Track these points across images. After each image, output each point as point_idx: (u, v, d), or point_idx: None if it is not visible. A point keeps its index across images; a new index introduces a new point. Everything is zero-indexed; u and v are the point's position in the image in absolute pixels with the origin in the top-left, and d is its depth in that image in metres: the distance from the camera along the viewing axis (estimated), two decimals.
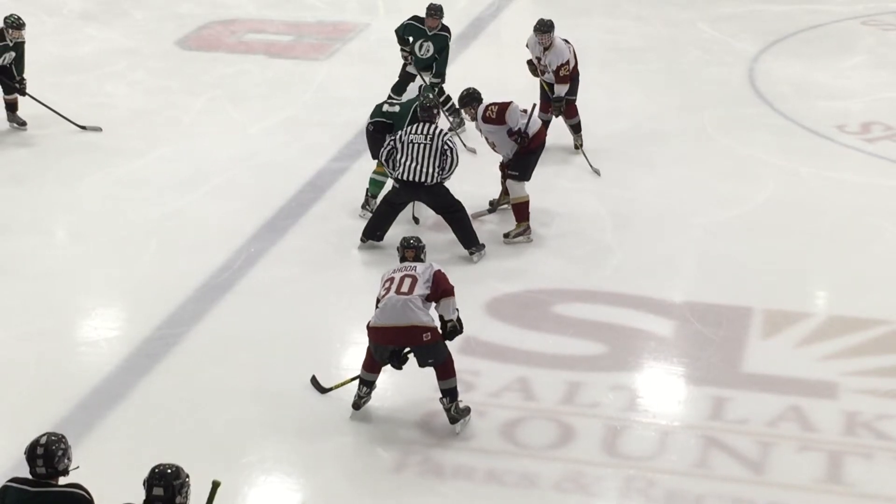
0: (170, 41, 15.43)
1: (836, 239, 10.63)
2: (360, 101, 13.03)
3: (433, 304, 7.91)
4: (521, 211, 10.48)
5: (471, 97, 10.51)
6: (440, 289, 7.87)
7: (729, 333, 9.13)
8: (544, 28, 11.85)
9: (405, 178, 9.87)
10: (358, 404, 8.09)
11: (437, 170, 9.87)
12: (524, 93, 13.92)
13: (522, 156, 10.43)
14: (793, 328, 9.21)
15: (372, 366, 8.03)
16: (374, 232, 10.15)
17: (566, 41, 12.10)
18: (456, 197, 10.12)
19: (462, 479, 7.56)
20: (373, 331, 7.86)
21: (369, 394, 8.12)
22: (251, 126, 12.78)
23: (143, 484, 5.66)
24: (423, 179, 9.87)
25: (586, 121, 12.42)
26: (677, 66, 14.98)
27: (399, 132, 9.98)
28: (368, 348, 7.97)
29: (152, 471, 5.68)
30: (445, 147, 9.86)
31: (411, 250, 8.30)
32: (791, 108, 13.48)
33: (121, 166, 11.89)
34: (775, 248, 10.38)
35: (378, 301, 7.88)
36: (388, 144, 9.94)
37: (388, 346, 7.86)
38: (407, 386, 8.43)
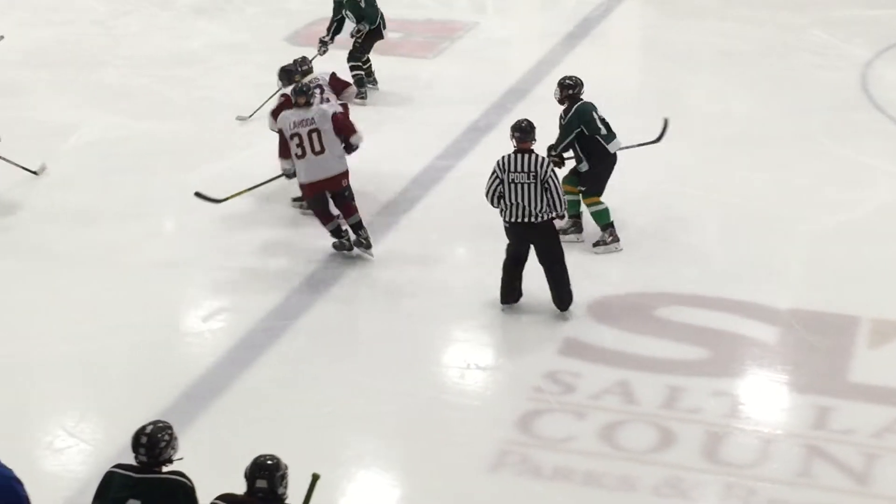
0: (279, 37, 15.56)
1: None
2: (467, 100, 13.09)
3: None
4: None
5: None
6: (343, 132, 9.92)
7: (834, 342, 8.98)
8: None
9: (513, 219, 9.04)
10: (349, 243, 9.98)
11: (545, 206, 8.96)
12: (630, 94, 13.92)
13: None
14: None
15: (325, 216, 9.99)
16: (510, 295, 9.31)
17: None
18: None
19: (560, 481, 7.53)
20: (308, 186, 9.89)
21: (347, 233, 9.96)
22: (357, 123, 12.82)
23: (245, 475, 5.71)
24: (531, 220, 8.98)
25: (693, 125, 12.31)
26: (789, 70, 14.76)
27: (503, 170, 8.96)
28: (310, 206, 10.09)
29: (255, 462, 5.72)
30: (548, 180, 8.92)
31: (302, 96, 9.88)
32: None
33: (227, 159, 12.02)
34: (884, 256, 10.19)
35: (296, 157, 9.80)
36: (494, 180, 9.00)
37: (321, 194, 9.90)
38: (505, 385, 8.43)
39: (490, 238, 9.96)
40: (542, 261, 9.14)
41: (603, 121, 10.21)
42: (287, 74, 11.10)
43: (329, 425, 7.98)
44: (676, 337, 9.01)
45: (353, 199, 10.22)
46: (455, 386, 8.48)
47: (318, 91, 10.44)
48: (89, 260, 10.20)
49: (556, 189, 8.92)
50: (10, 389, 7.99)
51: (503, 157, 8.95)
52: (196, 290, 9.98)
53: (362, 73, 13.48)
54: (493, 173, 8.97)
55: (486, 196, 9.02)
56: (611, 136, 10.21)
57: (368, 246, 10.01)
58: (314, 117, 9.83)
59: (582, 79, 10.38)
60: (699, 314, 9.32)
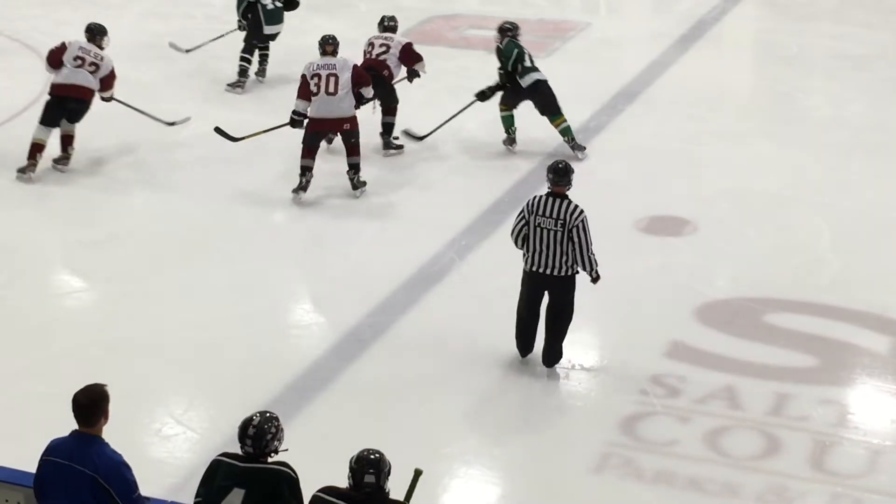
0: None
1: None
2: (578, 99, 13.02)
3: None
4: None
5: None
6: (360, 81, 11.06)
7: None
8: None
9: (533, 268, 8.39)
10: (305, 187, 10.97)
11: (569, 259, 8.27)
12: (744, 97, 13.80)
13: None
14: None
15: (308, 152, 11.00)
16: (526, 346, 8.67)
17: None
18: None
19: (663, 485, 7.47)
20: (311, 122, 10.97)
21: (310, 180, 10.97)
22: (469, 121, 12.85)
23: (351, 468, 5.71)
24: (552, 272, 8.34)
25: (807, 129, 12.15)
26: None
27: (530, 212, 8.33)
28: (304, 139, 10.95)
29: (361, 457, 5.72)
30: (576, 232, 8.21)
31: (330, 45, 11.16)
32: None
33: (343, 157, 12.10)
34: None
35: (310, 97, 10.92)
36: (520, 220, 8.38)
37: (321, 133, 11.11)
38: (610, 387, 8.39)
39: (600, 235, 9.94)
40: (549, 311, 8.52)
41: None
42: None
43: (432, 421, 8.01)
44: (785, 343, 8.90)
45: (357, 144, 11.13)
46: (559, 386, 8.45)
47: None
48: (199, 250, 10.34)
49: (584, 243, 8.21)
50: (123, 375, 8.11)
51: (533, 198, 8.33)
52: (303, 284, 10.08)
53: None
54: (520, 213, 8.37)
55: (511, 236, 8.43)
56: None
57: (358, 186, 11.17)
58: (336, 64, 11.07)
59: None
60: (809, 321, 9.20)
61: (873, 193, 11.29)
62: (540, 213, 8.22)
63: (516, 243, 8.40)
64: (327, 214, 10.94)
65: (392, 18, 12.57)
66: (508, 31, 12.06)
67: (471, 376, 8.48)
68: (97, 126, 11.83)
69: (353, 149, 11.14)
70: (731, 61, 15.45)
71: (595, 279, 8.36)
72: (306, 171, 11.04)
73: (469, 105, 12.21)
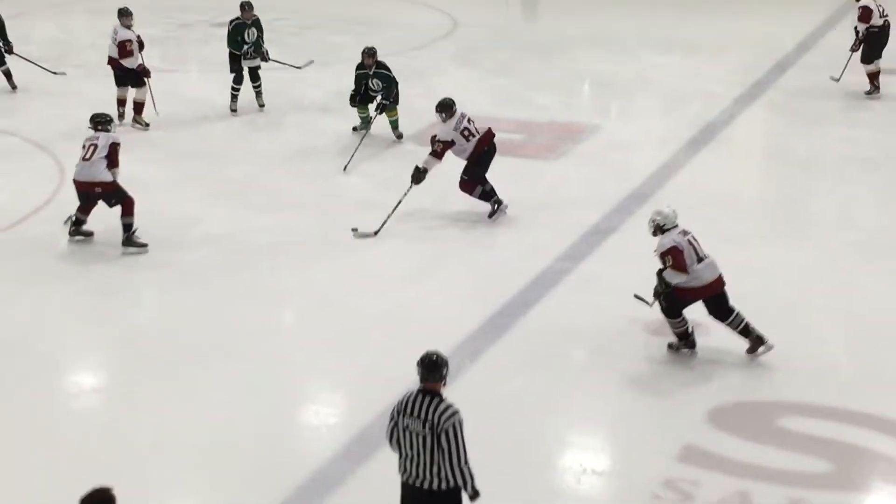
0: (404, 136, 15.73)
1: None
2: (589, 202, 13.08)
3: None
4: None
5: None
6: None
7: None
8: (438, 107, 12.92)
9: (406, 479, 7.21)
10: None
11: (441, 470, 7.08)
12: (754, 200, 13.84)
13: None
14: None
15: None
16: None
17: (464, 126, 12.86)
18: None
19: None
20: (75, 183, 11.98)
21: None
22: (479, 225, 12.90)
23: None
24: (423, 484, 7.14)
25: (818, 232, 12.15)
26: None
27: (397, 411, 7.23)
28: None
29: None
30: (446, 436, 7.03)
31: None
32: None
33: (352, 256, 12.15)
34: None
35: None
36: (389, 421, 7.27)
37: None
38: (622, 491, 8.32)
39: (609, 339, 9.93)
40: None
41: None
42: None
43: None
44: (799, 447, 8.82)
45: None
46: (571, 491, 8.38)
47: None
48: (212, 351, 10.32)
49: (456, 451, 7.00)
50: (130, 477, 8.06)
51: (405, 395, 7.21)
52: (312, 384, 10.04)
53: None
54: (391, 411, 7.26)
55: (387, 439, 7.29)
56: None
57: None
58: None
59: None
60: (822, 425, 9.13)
61: (886, 297, 11.25)
62: (407, 413, 7.09)
63: (391, 447, 7.28)
64: (335, 316, 10.93)
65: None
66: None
67: (482, 482, 8.39)
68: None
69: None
70: (741, 164, 15.49)
71: (473, 496, 7.09)
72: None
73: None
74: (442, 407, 7.04)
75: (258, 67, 16.74)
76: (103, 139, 12.25)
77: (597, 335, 10.30)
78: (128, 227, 12.21)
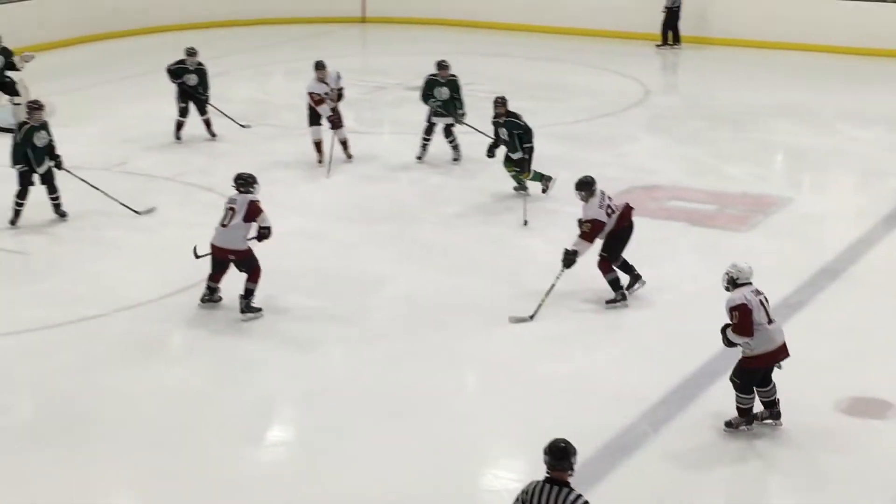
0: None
1: None
2: (779, 274, 12.84)
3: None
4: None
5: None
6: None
7: None
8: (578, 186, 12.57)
9: None
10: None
11: None
12: None
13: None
14: None
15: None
16: None
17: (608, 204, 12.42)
18: None
19: None
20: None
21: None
22: (667, 292, 12.78)
23: None
24: None
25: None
26: None
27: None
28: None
29: None
30: None
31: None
32: None
33: (535, 321, 12.17)
34: None
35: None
36: None
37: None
38: None
39: (799, 413, 9.71)
40: None
41: None
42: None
43: None
44: None
45: None
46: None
47: None
48: (393, 410, 10.42)
49: None
50: None
51: (530, 484, 7.06)
52: (493, 448, 10.04)
53: None
54: (515, 501, 7.09)
55: None
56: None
57: None
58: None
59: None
60: None
61: None
62: (534, 503, 6.95)
63: None
64: (523, 378, 10.91)
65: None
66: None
67: None
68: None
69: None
70: None
71: None
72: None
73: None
74: (571, 497, 6.88)
75: (451, 125, 17.12)
76: (240, 201, 12.09)
77: (784, 410, 10.07)
78: (249, 293, 12.13)
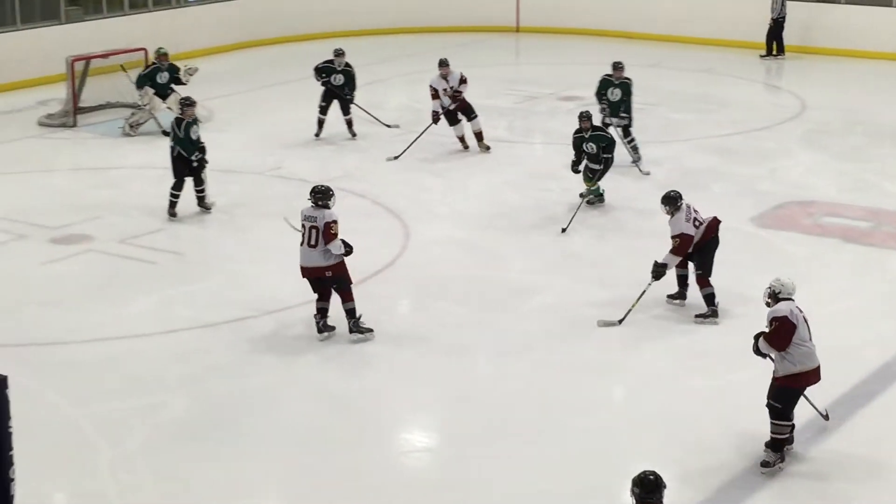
0: (745, 217, 15.49)
1: None
2: None
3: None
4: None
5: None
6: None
7: None
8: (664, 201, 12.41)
9: None
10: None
11: None
12: None
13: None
14: None
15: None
16: None
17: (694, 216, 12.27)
18: None
19: None
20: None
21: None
22: (818, 309, 12.52)
23: None
24: None
25: None
26: None
27: None
28: None
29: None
30: None
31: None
32: None
33: (686, 336, 12.06)
34: None
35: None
36: None
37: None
38: None
39: None
40: None
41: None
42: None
43: None
44: None
45: None
46: None
47: None
48: (540, 421, 10.41)
49: None
50: None
51: None
52: (636, 461, 9.93)
53: None
54: None
55: None
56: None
57: None
58: None
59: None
60: None
61: None
62: None
63: None
64: (670, 391, 10.82)
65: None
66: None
67: None
68: None
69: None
70: None
71: None
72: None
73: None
74: None
75: (628, 126, 17.38)
76: (320, 219, 11.62)
77: None
78: (352, 313, 11.83)
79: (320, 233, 11.57)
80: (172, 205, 15.51)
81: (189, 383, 11.14)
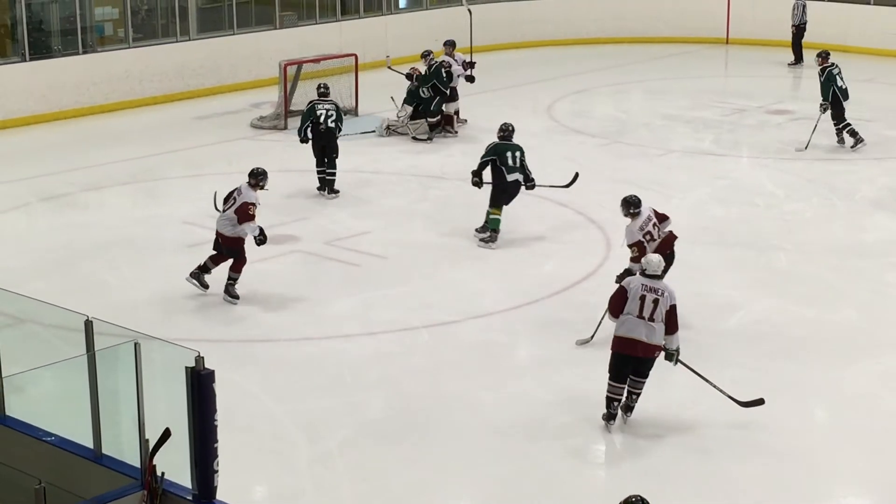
0: None
1: None
2: None
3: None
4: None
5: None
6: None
7: None
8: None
9: None
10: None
11: None
12: None
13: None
14: None
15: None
16: None
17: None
18: None
19: None
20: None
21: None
22: None
23: None
24: None
25: None
26: None
27: None
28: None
29: None
30: None
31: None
32: None
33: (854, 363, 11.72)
34: None
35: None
36: None
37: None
38: None
39: None
40: None
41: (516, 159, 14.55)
42: None
43: None
44: None
45: None
46: None
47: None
48: (740, 440, 10.23)
49: None
50: None
51: None
52: (838, 487, 9.71)
53: None
54: None
55: None
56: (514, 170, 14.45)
57: None
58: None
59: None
60: None
61: None
62: None
63: None
64: (872, 414, 10.51)
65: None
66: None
67: None
68: None
69: None
70: None
71: None
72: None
73: None
74: None
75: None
76: (241, 196, 13.07)
77: None
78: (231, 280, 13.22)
79: (234, 206, 12.98)
80: (322, 182, 16.97)
81: (388, 385, 11.28)
